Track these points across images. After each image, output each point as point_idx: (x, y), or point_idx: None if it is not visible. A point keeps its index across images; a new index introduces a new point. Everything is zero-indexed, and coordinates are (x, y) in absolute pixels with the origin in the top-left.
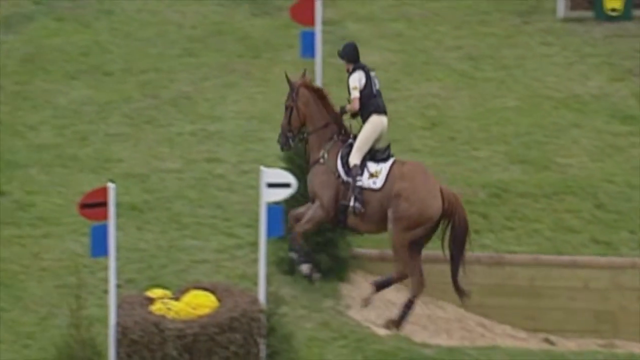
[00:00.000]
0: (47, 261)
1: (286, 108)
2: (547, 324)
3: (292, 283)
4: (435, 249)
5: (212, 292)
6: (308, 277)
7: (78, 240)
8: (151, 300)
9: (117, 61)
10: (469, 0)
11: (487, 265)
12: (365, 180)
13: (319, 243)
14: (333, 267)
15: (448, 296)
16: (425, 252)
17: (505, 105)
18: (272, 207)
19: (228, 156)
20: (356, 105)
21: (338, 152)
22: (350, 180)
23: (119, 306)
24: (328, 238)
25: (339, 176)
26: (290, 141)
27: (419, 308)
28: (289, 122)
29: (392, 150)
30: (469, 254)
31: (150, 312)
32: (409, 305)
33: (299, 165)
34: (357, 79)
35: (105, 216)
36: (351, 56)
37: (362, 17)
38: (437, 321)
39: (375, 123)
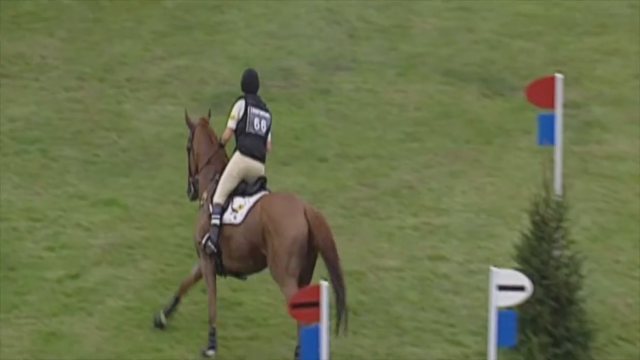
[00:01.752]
0: None
1: (187, 151)
2: None
3: None
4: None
5: None
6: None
7: (287, 344)
8: None
9: (332, 146)
10: None
11: None
12: (227, 216)
13: (557, 355)
14: None
15: None
16: None
17: None
18: (504, 313)
19: (454, 254)
20: (226, 135)
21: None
22: None
23: None
24: (567, 350)
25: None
26: (192, 187)
27: None
28: (189, 166)
29: None
30: None
31: None
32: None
33: (535, 267)
34: (235, 108)
35: (317, 318)
36: (242, 84)
37: (610, 100)
38: None
39: (237, 162)
